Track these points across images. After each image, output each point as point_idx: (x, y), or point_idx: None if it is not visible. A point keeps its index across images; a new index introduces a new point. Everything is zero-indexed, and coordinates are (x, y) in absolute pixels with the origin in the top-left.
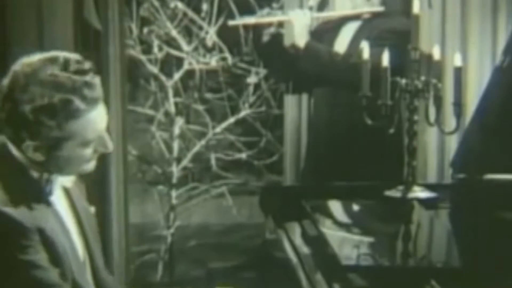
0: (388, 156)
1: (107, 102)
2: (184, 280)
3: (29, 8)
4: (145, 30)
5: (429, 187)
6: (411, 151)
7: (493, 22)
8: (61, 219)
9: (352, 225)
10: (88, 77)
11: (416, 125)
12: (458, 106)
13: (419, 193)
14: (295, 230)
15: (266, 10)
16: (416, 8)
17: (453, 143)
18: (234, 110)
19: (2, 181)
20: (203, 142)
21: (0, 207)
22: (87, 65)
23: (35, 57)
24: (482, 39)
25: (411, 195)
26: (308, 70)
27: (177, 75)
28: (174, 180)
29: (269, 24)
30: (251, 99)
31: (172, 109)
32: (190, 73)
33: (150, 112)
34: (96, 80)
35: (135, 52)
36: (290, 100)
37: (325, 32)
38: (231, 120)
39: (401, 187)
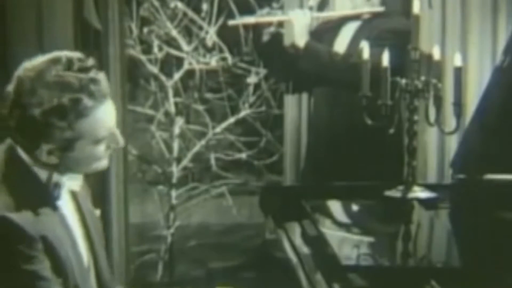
0: (388, 156)
1: None
2: (184, 280)
3: (29, 8)
4: (145, 30)
5: (429, 187)
6: (411, 151)
7: (493, 22)
8: (67, 223)
9: (352, 225)
10: (92, 74)
11: (416, 125)
12: (458, 106)
13: (419, 193)
14: (295, 230)
15: (266, 10)
16: (416, 8)
17: (453, 143)
18: (234, 110)
19: (9, 185)
20: (203, 142)
21: (5, 213)
22: (90, 62)
23: (37, 60)
24: (482, 39)
25: (411, 195)
26: (307, 70)
27: (177, 75)
28: (174, 180)
29: (269, 24)
30: (251, 99)
31: (172, 109)
32: (190, 73)
33: (150, 112)
34: (101, 75)
35: (135, 52)
36: (290, 100)
37: (325, 32)
38: (231, 120)
39: (401, 187)
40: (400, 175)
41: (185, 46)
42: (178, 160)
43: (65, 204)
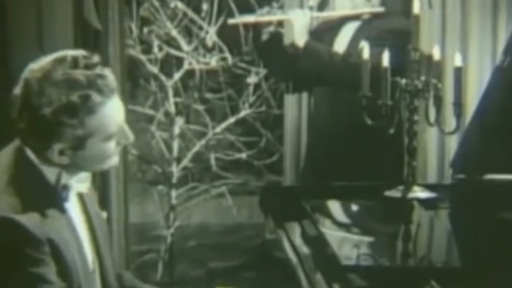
0: (388, 156)
1: None
2: (184, 280)
3: (29, 8)
4: (145, 30)
5: (429, 187)
6: (411, 151)
7: (493, 22)
8: (74, 226)
9: (352, 225)
10: (98, 70)
11: (416, 125)
12: (458, 106)
13: (419, 193)
14: (295, 230)
15: (266, 9)
16: (416, 8)
17: (453, 143)
18: (234, 110)
19: (17, 187)
20: (203, 142)
21: (13, 216)
22: (96, 58)
23: (43, 61)
24: (482, 39)
25: (411, 195)
26: (307, 70)
27: (177, 75)
28: (174, 180)
29: (269, 23)
30: (251, 99)
31: (172, 109)
32: (190, 73)
33: (150, 112)
34: (107, 71)
35: (135, 52)
36: (290, 100)
37: (324, 32)
38: (231, 120)
39: (401, 187)
40: (400, 175)
41: (185, 46)
42: (178, 160)
43: (72, 206)
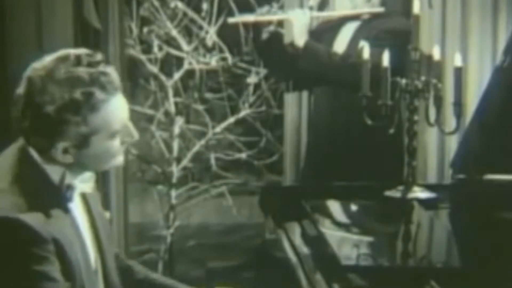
0: (388, 156)
1: None
2: (184, 280)
3: (28, 8)
4: (145, 29)
5: (429, 187)
6: (411, 151)
7: (493, 22)
8: (77, 226)
9: (352, 225)
10: (101, 67)
11: (416, 125)
12: (458, 106)
13: (419, 193)
14: (295, 230)
15: (265, 9)
16: (416, 8)
17: (453, 143)
18: (234, 110)
19: (21, 186)
20: (203, 142)
21: (18, 215)
22: (98, 56)
23: (45, 60)
24: (482, 39)
25: (411, 195)
26: (307, 70)
27: (177, 75)
28: (174, 180)
29: (269, 23)
30: (251, 99)
31: (172, 109)
32: (190, 73)
33: (150, 111)
34: (110, 69)
35: (135, 51)
36: (290, 100)
37: (324, 32)
38: (231, 120)
39: (401, 187)
40: (400, 175)
41: (185, 46)
42: (178, 160)
43: (76, 206)
